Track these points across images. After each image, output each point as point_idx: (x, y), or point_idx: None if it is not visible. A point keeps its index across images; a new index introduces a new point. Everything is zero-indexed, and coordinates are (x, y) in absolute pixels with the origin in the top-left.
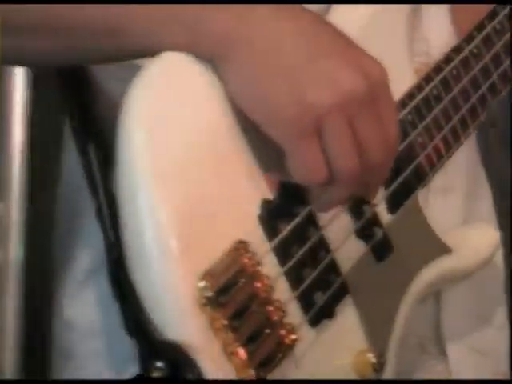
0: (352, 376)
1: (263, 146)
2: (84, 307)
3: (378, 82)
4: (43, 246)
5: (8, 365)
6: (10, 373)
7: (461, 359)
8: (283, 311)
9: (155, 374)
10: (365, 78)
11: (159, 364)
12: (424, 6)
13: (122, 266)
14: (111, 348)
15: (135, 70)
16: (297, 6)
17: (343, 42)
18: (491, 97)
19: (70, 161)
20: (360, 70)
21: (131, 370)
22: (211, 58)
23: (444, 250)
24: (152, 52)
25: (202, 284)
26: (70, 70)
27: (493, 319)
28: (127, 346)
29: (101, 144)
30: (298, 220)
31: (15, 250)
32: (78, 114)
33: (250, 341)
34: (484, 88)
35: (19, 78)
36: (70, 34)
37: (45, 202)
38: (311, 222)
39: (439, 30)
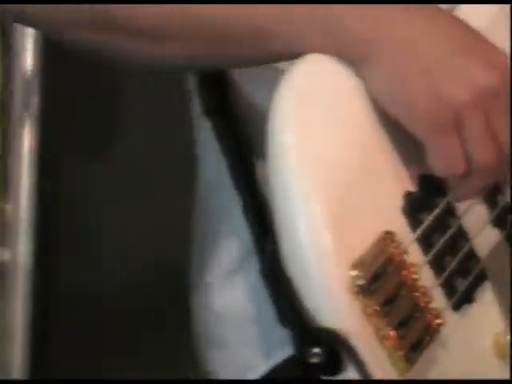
0: (491, 357)
1: (404, 142)
2: (234, 297)
3: (508, 74)
4: (52, 246)
5: (16, 364)
6: (17, 373)
7: None
8: (429, 297)
9: (313, 360)
10: (496, 72)
11: (316, 350)
12: None
13: (274, 260)
14: (262, 334)
15: (276, 72)
16: (432, 6)
17: (474, 38)
18: None
19: (210, 160)
20: (491, 65)
21: (282, 355)
22: (352, 58)
23: None
24: (293, 55)
25: (354, 273)
26: (210, 72)
27: None
28: (278, 332)
29: (246, 146)
30: (438, 211)
31: (24, 250)
32: (220, 117)
33: (400, 325)
34: None
35: (30, 81)
36: (214, 39)
37: (54, 202)
38: (450, 212)
39: None
